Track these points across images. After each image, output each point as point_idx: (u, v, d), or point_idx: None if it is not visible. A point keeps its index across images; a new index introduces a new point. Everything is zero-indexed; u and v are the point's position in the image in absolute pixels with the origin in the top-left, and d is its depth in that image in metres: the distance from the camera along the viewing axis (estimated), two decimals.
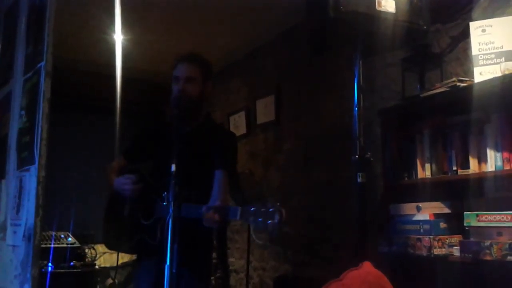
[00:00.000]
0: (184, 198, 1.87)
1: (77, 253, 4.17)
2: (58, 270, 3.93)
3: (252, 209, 1.77)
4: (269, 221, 1.70)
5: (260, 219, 1.74)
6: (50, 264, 3.89)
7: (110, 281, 4.85)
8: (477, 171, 2.23)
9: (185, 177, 1.94)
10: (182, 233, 1.76)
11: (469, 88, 2.24)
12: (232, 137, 2.54)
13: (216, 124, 2.61)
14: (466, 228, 2.22)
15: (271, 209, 1.70)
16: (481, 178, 2.23)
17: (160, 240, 2.01)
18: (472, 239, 2.18)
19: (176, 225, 1.74)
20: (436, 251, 2.29)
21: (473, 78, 2.28)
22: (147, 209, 2.23)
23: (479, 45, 2.28)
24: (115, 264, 4.89)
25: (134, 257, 2.66)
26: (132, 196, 2.25)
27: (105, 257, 4.87)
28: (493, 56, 2.25)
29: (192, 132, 2.34)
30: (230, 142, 2.45)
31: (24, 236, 2.02)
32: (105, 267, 4.80)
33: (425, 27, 2.10)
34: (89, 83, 5.20)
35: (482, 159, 2.22)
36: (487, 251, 2.04)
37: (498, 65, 2.20)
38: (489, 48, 2.26)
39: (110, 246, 2.54)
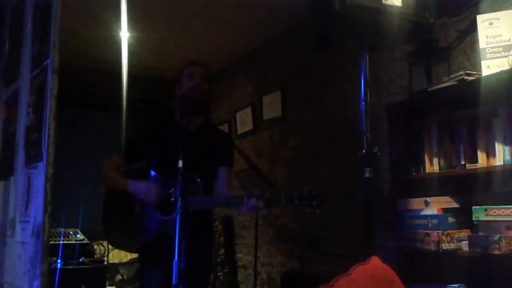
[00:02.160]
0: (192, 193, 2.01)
1: (86, 250, 4.20)
2: (67, 267, 3.97)
3: (296, 193, 1.99)
4: (314, 202, 1.96)
5: (305, 202, 1.97)
6: (59, 260, 3.92)
7: (119, 277, 4.88)
8: (485, 165, 2.21)
9: (195, 173, 2.15)
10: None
11: (477, 81, 2.23)
12: (229, 136, 2.78)
13: (214, 125, 2.72)
14: (475, 222, 2.21)
15: (314, 192, 1.97)
16: (489, 172, 2.22)
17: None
18: (480, 233, 2.17)
19: (184, 220, 1.76)
20: (445, 246, 2.28)
21: (480, 71, 2.26)
22: (165, 205, 2.28)
23: (487, 38, 2.26)
24: (124, 261, 4.94)
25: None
26: (154, 202, 2.30)
27: (114, 254, 4.90)
28: (500, 49, 2.23)
29: (198, 131, 2.47)
30: (229, 141, 2.65)
31: (33, 233, 2.03)
32: (114, 263, 4.83)
33: (431, 20, 2.08)
34: (95, 81, 5.22)
35: (490, 153, 2.20)
36: (496, 246, 2.03)
37: (506, 58, 2.19)
38: (496, 41, 2.24)
39: (120, 245, 2.63)
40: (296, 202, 1.99)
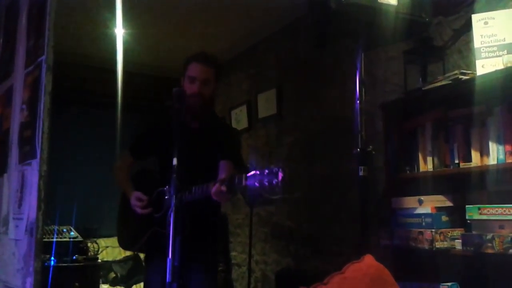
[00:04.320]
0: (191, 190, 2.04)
1: (79, 247, 4.19)
2: (61, 264, 3.95)
3: (257, 172, 1.85)
4: (274, 180, 1.80)
5: (266, 180, 1.82)
6: (52, 258, 3.90)
7: (112, 275, 4.87)
8: (479, 164, 2.22)
9: (195, 172, 2.08)
10: (189, 226, 1.82)
11: (471, 81, 2.23)
12: (234, 131, 2.66)
13: (220, 120, 2.66)
14: (468, 221, 2.22)
15: (275, 169, 1.81)
16: (483, 171, 2.23)
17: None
18: (474, 232, 2.18)
19: (179, 217, 1.75)
20: (438, 245, 2.29)
21: (475, 70, 2.27)
22: (158, 203, 2.30)
23: (482, 37, 2.27)
24: (118, 258, 4.93)
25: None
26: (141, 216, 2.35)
27: (107, 251, 4.89)
28: (495, 48, 2.24)
29: (199, 129, 2.44)
30: (233, 136, 2.57)
31: (26, 230, 2.02)
32: (107, 261, 4.82)
33: (427, 19, 2.09)
34: (90, 77, 5.19)
35: (484, 152, 2.21)
36: (489, 244, 2.04)
37: (501, 58, 2.19)
38: (491, 41, 2.25)
39: (125, 246, 2.68)
40: (256, 183, 1.85)
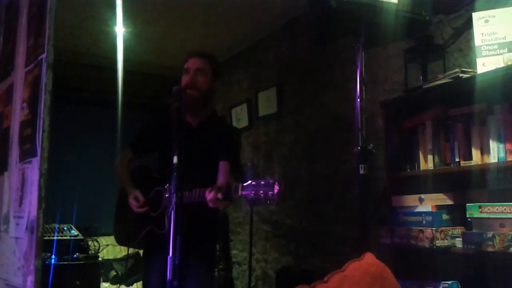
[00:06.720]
0: (189, 188, 2.05)
1: (80, 246, 4.18)
2: (61, 262, 3.95)
3: (254, 183, 1.84)
4: (270, 192, 1.79)
5: (262, 191, 1.81)
6: (53, 256, 3.90)
7: (113, 273, 4.87)
8: (479, 162, 2.22)
9: (192, 170, 2.08)
10: (187, 223, 1.81)
11: (472, 79, 2.23)
12: (235, 131, 2.62)
13: (221, 119, 2.66)
14: (469, 219, 2.22)
15: (271, 181, 1.80)
16: (483, 170, 2.23)
17: (168, 229, 2.04)
18: (474, 230, 2.18)
19: (179, 216, 1.75)
20: (439, 243, 2.29)
21: (476, 69, 2.27)
22: (155, 202, 2.32)
23: (482, 35, 2.27)
24: (118, 256, 4.93)
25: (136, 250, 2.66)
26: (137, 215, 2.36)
27: (108, 250, 4.89)
28: (496, 47, 2.24)
29: (199, 127, 2.43)
30: (234, 136, 2.54)
31: (27, 228, 2.02)
32: (108, 259, 4.82)
33: (427, 18, 2.09)
34: (90, 76, 5.19)
35: (484, 150, 2.21)
36: (490, 243, 2.04)
37: (501, 56, 2.19)
38: (492, 39, 2.25)
39: (120, 241, 2.67)
40: (253, 193, 1.85)
